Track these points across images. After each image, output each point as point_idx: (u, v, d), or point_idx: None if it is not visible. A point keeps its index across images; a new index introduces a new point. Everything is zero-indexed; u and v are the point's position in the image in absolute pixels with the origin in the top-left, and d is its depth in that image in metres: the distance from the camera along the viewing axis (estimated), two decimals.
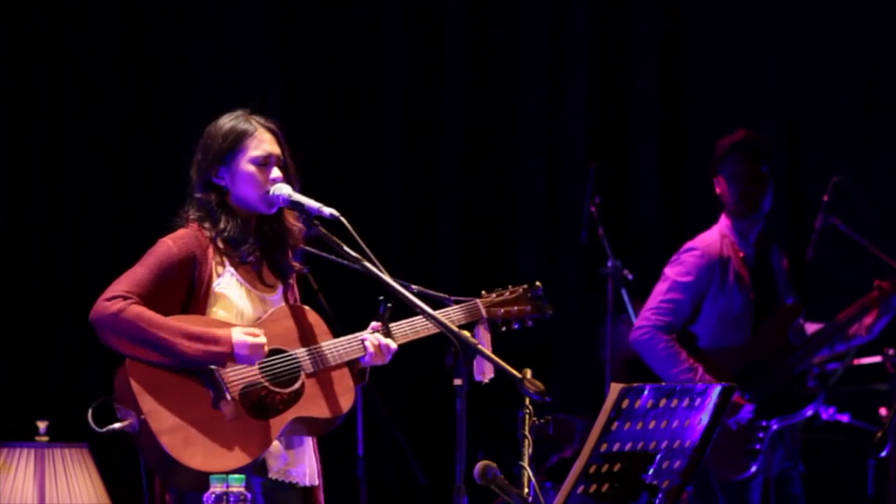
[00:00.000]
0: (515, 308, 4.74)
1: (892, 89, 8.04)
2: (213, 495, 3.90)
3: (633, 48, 8.31)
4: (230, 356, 4.41)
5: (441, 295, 4.46)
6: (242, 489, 3.92)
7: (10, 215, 7.82)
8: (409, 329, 4.63)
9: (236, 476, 3.94)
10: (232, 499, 3.90)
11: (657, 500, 4.02)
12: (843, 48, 8.09)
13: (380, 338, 4.57)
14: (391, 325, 4.61)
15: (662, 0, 8.31)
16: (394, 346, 4.59)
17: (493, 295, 4.75)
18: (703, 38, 8.28)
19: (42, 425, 6.48)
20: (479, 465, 3.94)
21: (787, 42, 8.19)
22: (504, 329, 4.74)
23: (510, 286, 4.78)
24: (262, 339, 4.45)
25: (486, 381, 4.36)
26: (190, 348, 4.38)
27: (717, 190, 6.41)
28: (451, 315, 4.64)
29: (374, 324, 4.61)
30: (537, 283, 4.78)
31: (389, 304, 4.58)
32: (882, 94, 8.07)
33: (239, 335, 4.43)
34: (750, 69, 8.19)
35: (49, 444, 6.44)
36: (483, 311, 4.72)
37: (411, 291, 4.38)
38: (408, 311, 4.59)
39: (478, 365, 4.29)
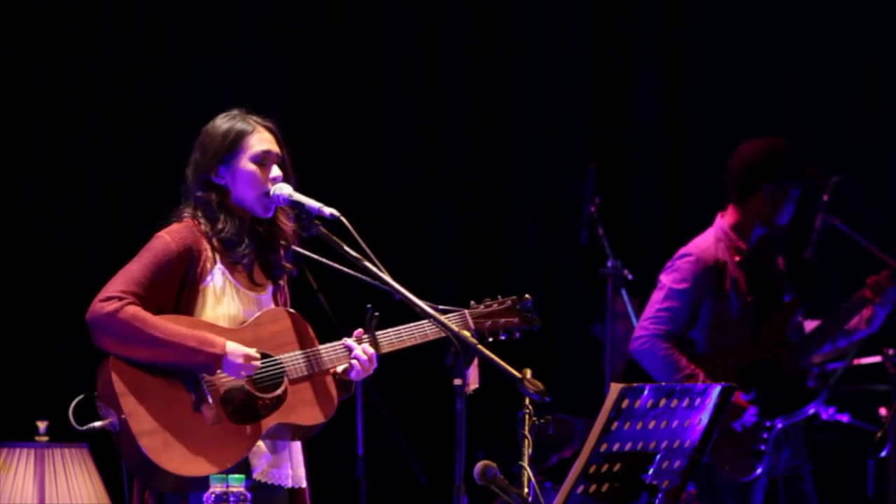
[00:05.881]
0: (503, 320, 4.67)
1: (892, 89, 8.04)
2: (213, 495, 3.90)
3: (633, 48, 8.31)
4: (219, 363, 4.38)
5: (426, 306, 4.38)
6: (242, 489, 3.92)
7: (11, 216, 7.82)
8: (395, 338, 4.59)
9: (236, 476, 3.94)
10: (232, 499, 3.90)
11: (657, 500, 4.02)
12: (843, 48, 8.08)
13: (366, 348, 4.54)
14: (377, 332, 4.58)
15: (663, 0, 8.31)
16: (372, 352, 4.54)
17: (482, 306, 4.68)
18: (703, 38, 8.27)
19: (42, 425, 6.47)
20: (479, 465, 3.93)
21: (788, 42, 8.19)
22: (490, 340, 4.67)
23: (499, 297, 4.71)
24: (257, 358, 4.42)
25: (470, 391, 4.22)
26: (183, 350, 4.35)
27: (754, 193, 6.32)
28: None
29: (358, 331, 4.58)
30: (527, 295, 4.71)
31: (377, 313, 4.56)
32: (882, 94, 8.06)
33: (234, 345, 4.40)
34: (750, 69, 8.18)
35: (49, 444, 6.44)
36: (471, 323, 4.65)
37: (397, 300, 4.34)
38: (392, 319, 4.59)
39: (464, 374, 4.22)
